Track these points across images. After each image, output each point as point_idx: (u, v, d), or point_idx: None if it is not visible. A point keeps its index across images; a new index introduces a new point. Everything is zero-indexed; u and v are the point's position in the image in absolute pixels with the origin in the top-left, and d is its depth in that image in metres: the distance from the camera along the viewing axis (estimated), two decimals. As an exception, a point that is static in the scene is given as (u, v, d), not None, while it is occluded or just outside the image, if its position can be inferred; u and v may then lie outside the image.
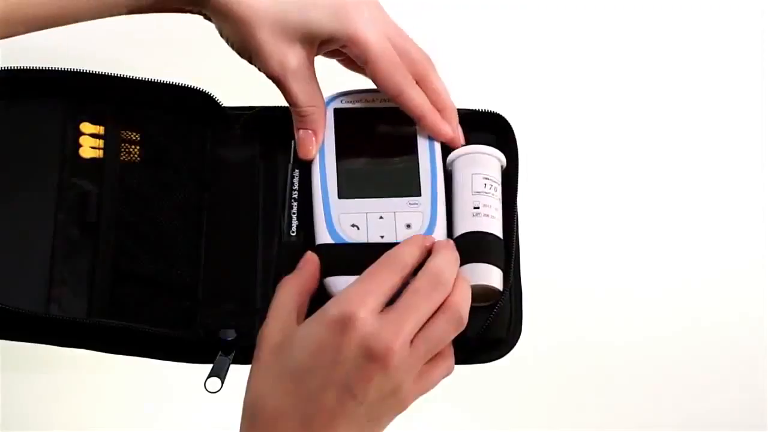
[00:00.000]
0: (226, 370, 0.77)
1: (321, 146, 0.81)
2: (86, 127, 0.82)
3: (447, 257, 0.73)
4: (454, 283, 0.72)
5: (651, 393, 1.29)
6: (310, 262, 0.76)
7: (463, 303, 0.72)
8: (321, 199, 0.79)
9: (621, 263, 1.32)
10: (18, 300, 0.75)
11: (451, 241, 0.76)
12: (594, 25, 1.40)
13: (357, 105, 0.84)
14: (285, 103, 0.82)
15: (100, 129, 0.82)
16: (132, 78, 0.83)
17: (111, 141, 0.82)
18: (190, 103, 0.84)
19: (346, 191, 0.80)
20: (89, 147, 0.81)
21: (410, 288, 0.70)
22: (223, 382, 0.76)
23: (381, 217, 0.79)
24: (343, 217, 0.78)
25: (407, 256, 0.72)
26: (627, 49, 1.40)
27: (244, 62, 0.80)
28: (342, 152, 0.81)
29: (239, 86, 0.84)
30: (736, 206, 1.36)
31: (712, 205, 1.36)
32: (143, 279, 0.79)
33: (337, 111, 0.83)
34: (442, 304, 0.71)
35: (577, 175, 1.34)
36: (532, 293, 0.82)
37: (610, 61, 1.39)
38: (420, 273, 0.71)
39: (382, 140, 0.83)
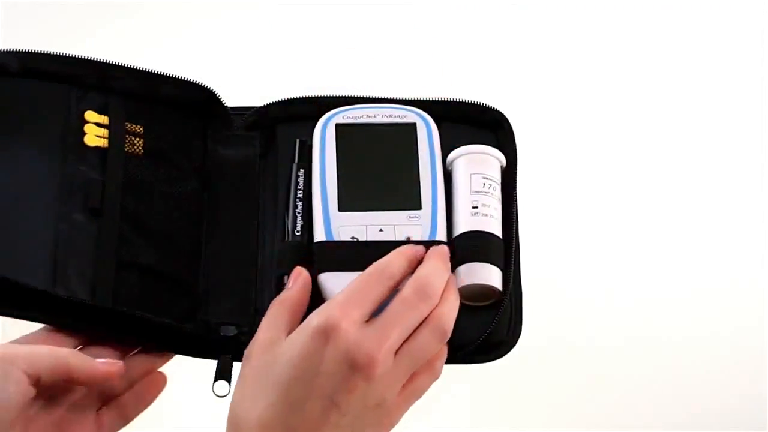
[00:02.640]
0: (231, 372, 0.77)
1: (322, 160, 0.82)
2: (91, 115, 0.82)
3: (436, 267, 0.72)
4: (443, 294, 0.70)
5: (651, 393, 1.29)
6: (300, 278, 0.75)
7: (449, 315, 0.70)
8: (321, 212, 0.79)
9: (621, 263, 1.32)
10: (24, 280, 0.74)
11: (444, 249, 0.75)
12: (595, 25, 1.40)
13: (358, 120, 0.84)
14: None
15: (104, 119, 0.82)
16: (139, 69, 0.83)
17: (115, 131, 0.82)
18: (194, 100, 0.84)
19: (346, 204, 0.80)
20: (94, 135, 0.81)
21: (397, 298, 0.69)
22: (230, 384, 0.76)
23: (381, 230, 0.79)
24: (342, 230, 0.79)
25: (395, 267, 0.71)
26: (627, 50, 1.40)
27: (246, 64, 0.80)
28: (343, 166, 0.81)
29: (240, 87, 0.84)
30: (736, 205, 1.36)
31: (712, 205, 1.36)
32: (145, 270, 0.79)
33: (338, 126, 0.83)
34: (429, 315, 0.69)
35: (577, 176, 1.34)
36: (531, 293, 0.82)
37: (611, 63, 1.39)
38: (408, 283, 0.70)
39: (382, 155, 0.83)
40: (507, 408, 1.26)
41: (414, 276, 0.70)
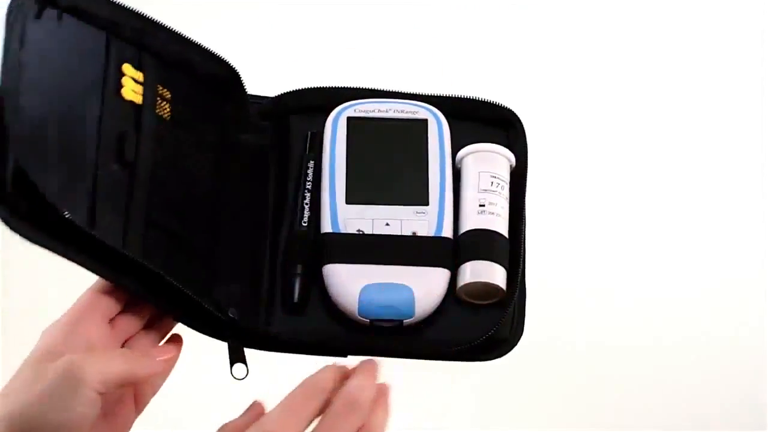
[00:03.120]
0: (243, 354, 0.77)
1: (332, 152, 0.82)
2: (128, 69, 0.79)
3: (364, 379, 0.71)
4: (373, 407, 0.71)
5: (651, 393, 1.30)
6: (253, 408, 0.74)
7: (379, 428, 0.71)
8: (328, 204, 0.80)
9: (622, 263, 1.32)
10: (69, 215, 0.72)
11: (372, 363, 0.74)
12: (607, 28, 1.40)
13: (370, 114, 0.84)
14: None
15: (140, 75, 0.80)
16: (177, 31, 0.82)
17: (149, 90, 0.80)
18: (219, 78, 0.83)
19: (353, 197, 0.80)
20: (131, 90, 0.79)
21: (328, 412, 0.69)
22: (247, 367, 0.76)
23: (387, 224, 0.79)
24: (349, 222, 0.79)
25: (326, 382, 0.71)
26: (640, 53, 1.39)
27: (257, 59, 0.79)
28: (352, 159, 0.82)
29: (256, 78, 0.84)
30: (737, 209, 1.36)
31: (716, 206, 1.36)
32: (171, 234, 0.78)
33: (350, 119, 0.84)
34: (359, 428, 0.70)
35: (582, 176, 1.34)
36: (531, 292, 0.82)
37: (620, 66, 1.39)
38: (337, 396, 0.70)
39: (393, 149, 0.83)
40: (506, 407, 1.26)
41: (343, 390, 0.70)
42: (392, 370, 0.74)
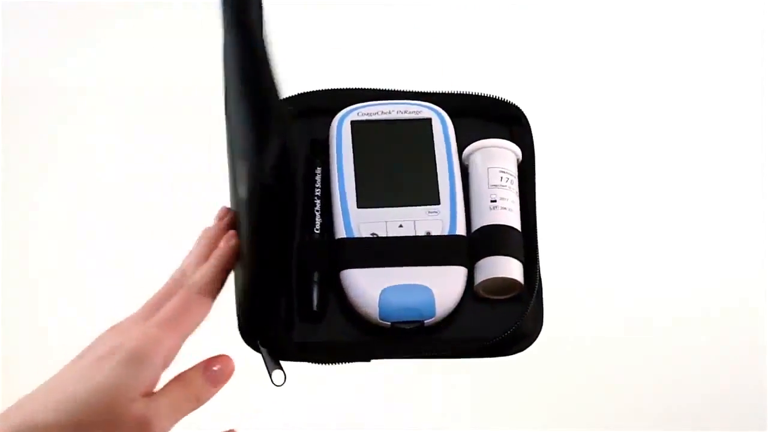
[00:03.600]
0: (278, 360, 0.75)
1: (339, 157, 0.81)
2: None
3: None
4: None
5: (651, 393, 1.29)
6: None
7: None
8: (341, 210, 0.79)
9: (626, 263, 1.33)
10: None
11: None
12: (610, 23, 1.41)
13: (374, 117, 0.84)
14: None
15: None
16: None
17: None
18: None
19: (365, 201, 0.80)
20: None
21: None
22: (285, 373, 0.74)
23: (401, 226, 0.79)
24: (363, 226, 0.79)
25: None
26: (644, 49, 1.40)
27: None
28: (360, 163, 0.81)
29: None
30: (743, 209, 1.37)
31: (723, 206, 1.37)
32: None
33: (353, 123, 0.83)
34: None
35: (591, 173, 1.34)
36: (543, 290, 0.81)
37: (627, 62, 1.39)
38: None
39: (399, 150, 0.83)
40: (507, 407, 1.25)
41: None
42: (391, 370, 0.73)
